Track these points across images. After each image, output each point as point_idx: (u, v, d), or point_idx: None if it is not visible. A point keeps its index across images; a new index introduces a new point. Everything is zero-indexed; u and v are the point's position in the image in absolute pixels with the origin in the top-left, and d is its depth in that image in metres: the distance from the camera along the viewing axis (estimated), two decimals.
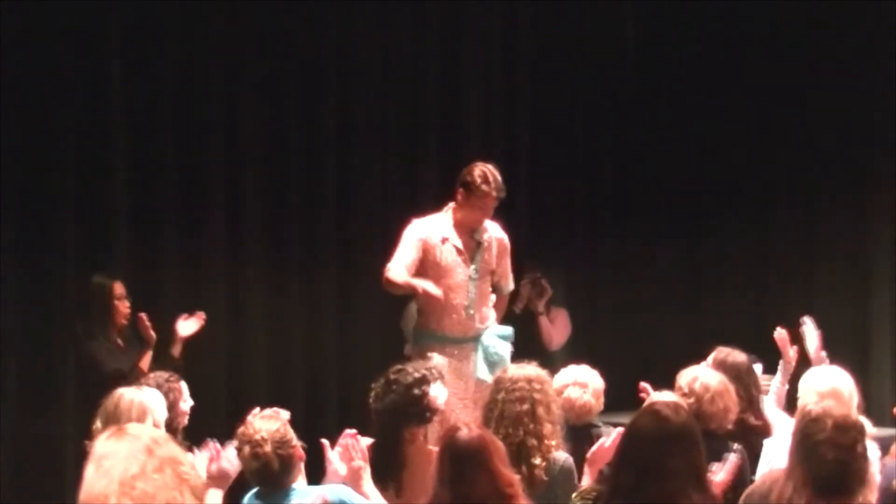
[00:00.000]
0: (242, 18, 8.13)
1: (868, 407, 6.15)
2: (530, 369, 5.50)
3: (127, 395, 5.37)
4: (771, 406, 6.48)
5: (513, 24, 9.36)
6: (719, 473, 5.04)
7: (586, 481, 5.18)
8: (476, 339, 7.01)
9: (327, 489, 4.82)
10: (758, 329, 8.42)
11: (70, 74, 7.52)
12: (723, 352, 6.26)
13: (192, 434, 5.67)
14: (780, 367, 6.75)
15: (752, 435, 6.00)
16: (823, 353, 6.68)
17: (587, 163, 9.75)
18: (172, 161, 7.90)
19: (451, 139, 8.95)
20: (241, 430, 4.83)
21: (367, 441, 5.07)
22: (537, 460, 5.27)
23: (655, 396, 5.43)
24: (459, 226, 7.04)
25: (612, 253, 9.68)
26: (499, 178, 6.96)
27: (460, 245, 7.02)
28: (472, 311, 7.00)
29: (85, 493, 3.24)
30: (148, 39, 7.79)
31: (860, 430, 4.34)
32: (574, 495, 4.66)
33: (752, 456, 5.67)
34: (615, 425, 5.81)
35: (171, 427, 5.73)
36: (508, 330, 7.13)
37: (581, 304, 9.33)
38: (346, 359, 8.40)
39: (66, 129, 7.53)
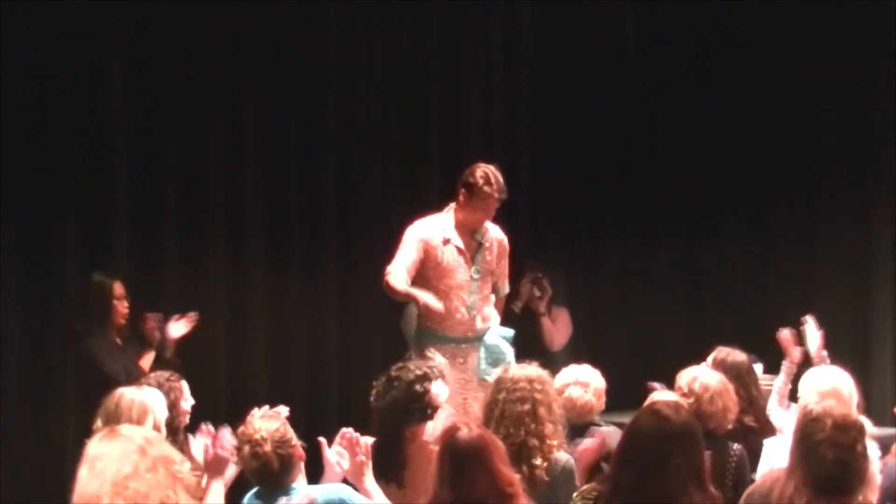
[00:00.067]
0: (243, 18, 8.13)
1: (868, 406, 6.15)
2: (531, 369, 5.50)
3: (127, 394, 5.37)
4: (774, 406, 6.47)
5: (513, 25, 9.36)
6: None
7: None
8: (478, 339, 7.03)
9: (327, 488, 4.82)
10: (758, 329, 8.43)
11: (70, 74, 7.52)
12: (723, 352, 6.26)
13: (193, 433, 5.67)
14: (783, 367, 6.74)
15: (751, 435, 6.00)
16: (825, 353, 6.68)
17: (587, 163, 9.75)
18: (173, 161, 7.90)
19: (451, 139, 8.95)
20: (240, 429, 4.83)
21: (368, 440, 5.07)
22: (539, 460, 5.27)
23: (656, 396, 5.43)
24: (461, 226, 7.05)
25: (612, 253, 9.68)
26: (500, 179, 6.98)
27: (462, 246, 7.04)
28: (473, 312, 7.02)
29: (78, 495, 3.25)
30: (148, 39, 7.79)
31: (860, 430, 4.33)
32: (575, 495, 4.66)
33: (752, 455, 5.67)
34: (617, 425, 5.83)
35: (172, 426, 5.74)
36: (510, 332, 7.14)
37: (582, 304, 9.33)
38: (347, 358, 8.40)
39: (67, 128, 7.52)
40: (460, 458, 4.31)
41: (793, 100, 9.30)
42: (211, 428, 4.86)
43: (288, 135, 8.36)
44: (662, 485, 4.00)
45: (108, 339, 7.03)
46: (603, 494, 4.20)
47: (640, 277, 9.59)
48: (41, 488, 6.95)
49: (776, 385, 6.64)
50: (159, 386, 5.79)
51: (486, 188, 6.93)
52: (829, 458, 4.24)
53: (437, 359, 6.75)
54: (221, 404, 7.67)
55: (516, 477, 4.39)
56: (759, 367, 6.98)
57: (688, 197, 9.64)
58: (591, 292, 9.60)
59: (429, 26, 8.95)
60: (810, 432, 4.31)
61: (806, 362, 6.69)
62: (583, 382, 6.00)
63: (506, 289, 7.36)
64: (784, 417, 6.26)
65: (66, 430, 7.17)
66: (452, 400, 6.61)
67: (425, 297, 6.79)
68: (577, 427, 5.91)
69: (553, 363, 6.68)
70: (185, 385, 5.98)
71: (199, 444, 4.87)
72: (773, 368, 7.13)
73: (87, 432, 5.15)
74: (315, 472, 5.10)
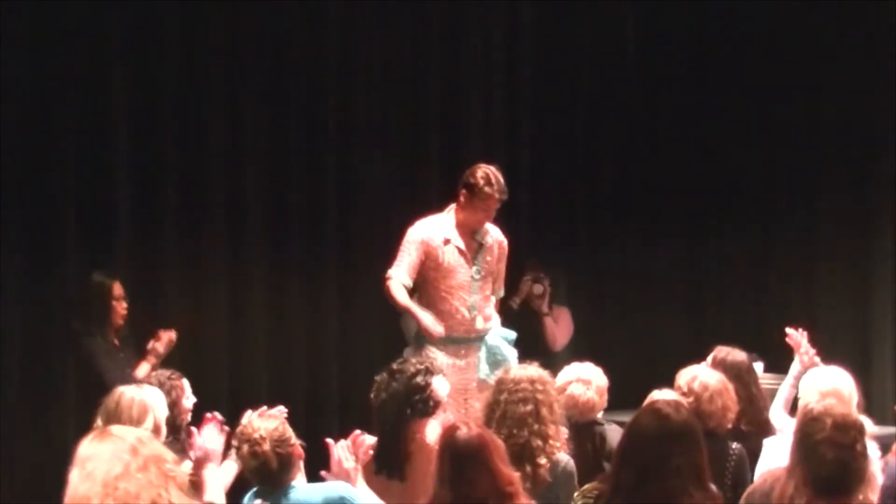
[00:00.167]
0: (243, 18, 8.13)
1: (869, 406, 6.14)
2: (532, 370, 5.49)
3: (128, 393, 5.37)
4: (778, 410, 6.42)
5: (513, 25, 9.35)
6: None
7: None
8: (479, 339, 7.04)
9: (327, 486, 4.83)
10: (758, 329, 8.45)
11: (71, 74, 7.52)
12: (722, 351, 6.25)
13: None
14: (792, 370, 6.62)
15: (751, 434, 6.00)
16: (817, 358, 6.64)
17: (588, 163, 9.74)
18: (173, 161, 7.90)
19: (451, 139, 8.95)
20: (239, 428, 4.83)
21: (371, 439, 5.08)
22: (542, 460, 5.27)
23: (656, 395, 5.43)
24: (461, 227, 7.07)
25: (612, 252, 9.68)
26: (501, 179, 6.99)
27: (462, 246, 7.05)
28: (474, 312, 7.03)
29: (69, 497, 3.25)
30: (149, 39, 7.79)
31: (860, 430, 4.33)
32: (576, 494, 4.66)
33: (752, 455, 5.67)
34: (617, 424, 5.83)
35: (173, 425, 5.74)
36: (512, 334, 7.15)
37: (583, 303, 9.33)
38: (347, 358, 8.40)
39: (67, 128, 7.52)
40: (460, 457, 4.32)
41: (793, 100, 9.29)
42: (219, 415, 4.86)
43: (288, 135, 8.36)
44: (663, 484, 4.00)
45: (107, 339, 7.03)
46: (604, 494, 4.20)
47: (640, 277, 9.59)
48: (41, 488, 6.93)
49: (782, 389, 6.57)
50: (160, 384, 5.80)
51: (486, 189, 6.94)
52: (828, 458, 4.24)
53: (438, 358, 6.76)
54: (222, 404, 7.64)
55: (516, 476, 4.40)
56: (759, 366, 6.96)
57: (688, 197, 9.63)
58: (591, 292, 9.59)
59: (429, 26, 8.95)
60: (810, 432, 4.31)
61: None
62: (585, 380, 6.00)
63: (501, 292, 7.38)
64: (788, 422, 6.20)
65: (66, 430, 7.16)
66: (453, 400, 6.63)
67: (426, 319, 6.83)
68: (580, 425, 5.91)
69: (554, 363, 6.68)
70: (186, 383, 5.98)
71: (206, 434, 4.87)
72: (772, 368, 7.12)
73: (87, 432, 5.16)
74: (315, 472, 5.10)
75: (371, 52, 8.66)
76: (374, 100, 8.68)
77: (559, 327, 8.87)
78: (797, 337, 6.64)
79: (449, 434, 4.40)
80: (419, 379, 5.48)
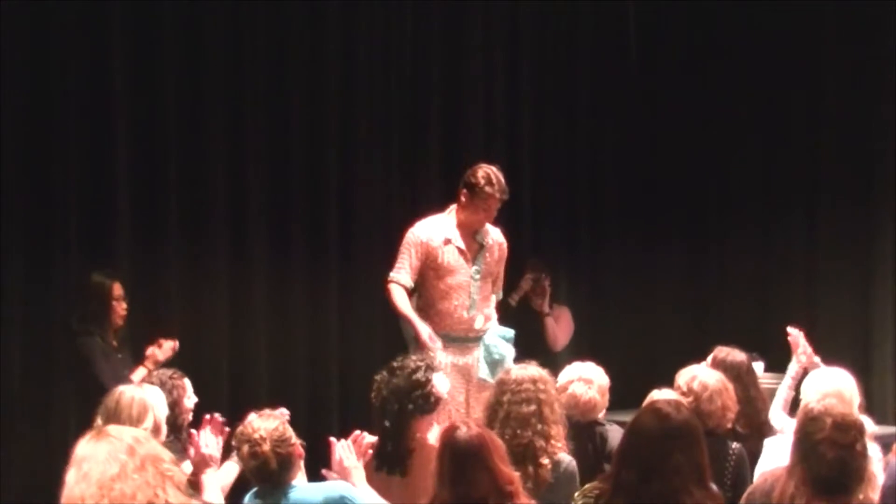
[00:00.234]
0: (243, 18, 8.12)
1: (870, 405, 6.14)
2: (533, 369, 5.49)
3: (127, 392, 5.37)
4: (777, 412, 6.43)
5: (514, 24, 9.35)
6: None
7: None
8: (478, 339, 7.04)
9: (328, 485, 4.83)
10: (760, 328, 8.44)
11: (72, 73, 7.52)
12: (722, 351, 6.25)
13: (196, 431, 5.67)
14: (790, 370, 6.65)
15: (750, 434, 5.99)
16: (816, 359, 6.64)
17: (588, 162, 9.74)
18: (173, 161, 7.89)
19: (451, 139, 8.95)
20: (239, 429, 4.83)
21: (371, 439, 5.08)
22: (544, 461, 5.27)
23: (656, 394, 5.43)
24: (462, 227, 7.08)
25: (613, 252, 9.68)
26: (502, 179, 7.00)
27: (463, 246, 7.06)
28: (474, 311, 7.03)
29: (65, 497, 3.24)
30: (150, 38, 7.78)
31: (859, 429, 4.33)
32: (576, 494, 4.66)
33: (751, 455, 5.66)
34: (618, 423, 5.82)
35: (175, 424, 5.75)
36: (510, 332, 7.15)
37: (583, 303, 9.33)
38: (348, 358, 8.40)
39: (67, 128, 7.51)
40: (460, 457, 4.32)
41: (793, 100, 9.29)
42: (218, 416, 4.86)
43: (289, 135, 8.36)
44: (664, 483, 4.00)
45: (105, 339, 7.03)
46: (604, 493, 4.20)
47: (640, 277, 9.59)
48: (41, 488, 6.94)
49: (781, 389, 6.58)
50: (162, 384, 5.80)
51: (487, 188, 6.95)
52: (828, 458, 4.25)
53: (437, 357, 6.77)
54: (222, 404, 7.65)
55: (516, 475, 4.40)
56: (759, 366, 6.96)
57: (688, 196, 9.64)
58: (591, 292, 9.60)
59: (429, 26, 8.95)
60: (810, 431, 4.31)
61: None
62: (587, 379, 5.99)
63: (500, 294, 7.38)
64: (788, 423, 6.21)
65: (66, 431, 7.16)
66: (453, 399, 6.64)
67: (423, 332, 6.83)
68: (581, 425, 5.90)
69: (555, 362, 6.67)
70: (187, 383, 5.98)
71: (205, 438, 4.87)
72: (773, 367, 7.12)
73: (86, 431, 5.15)
74: (316, 472, 5.10)
75: (371, 52, 8.66)
76: (374, 100, 8.68)
77: (560, 327, 8.86)
78: (797, 336, 6.65)
79: (449, 433, 4.40)
80: (420, 375, 5.48)
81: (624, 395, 6.66)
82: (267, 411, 4.98)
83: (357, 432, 5.00)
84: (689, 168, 9.62)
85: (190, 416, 5.92)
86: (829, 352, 6.76)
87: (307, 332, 8.37)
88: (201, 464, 4.74)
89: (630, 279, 9.61)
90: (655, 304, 9.59)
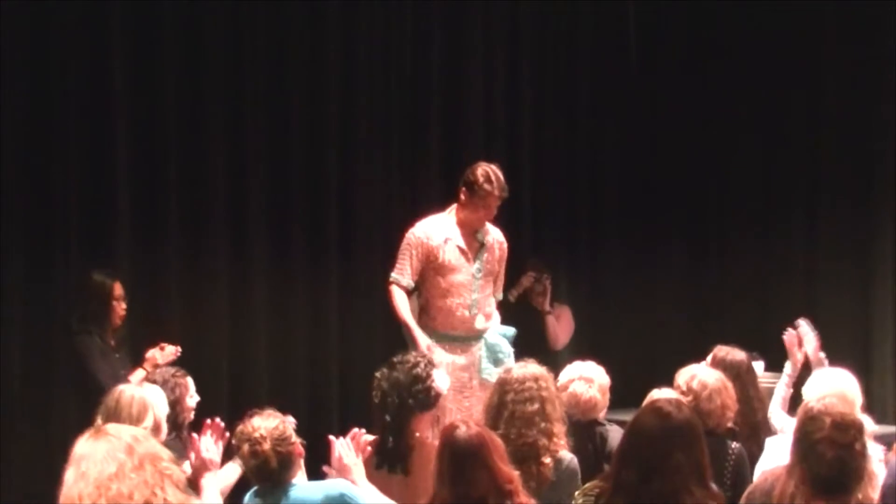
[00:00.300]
0: (244, 18, 8.12)
1: (870, 404, 6.13)
2: (533, 367, 5.49)
3: (127, 391, 5.37)
4: (776, 410, 6.44)
5: (514, 24, 9.35)
6: None
7: None
8: (478, 337, 7.05)
9: (327, 484, 4.82)
10: (760, 328, 8.44)
11: (72, 73, 7.52)
12: (722, 350, 6.25)
13: (196, 431, 5.66)
14: (786, 370, 6.69)
15: (753, 433, 5.99)
16: (822, 355, 6.66)
17: (588, 162, 9.74)
18: (173, 161, 7.89)
19: (451, 140, 8.95)
20: (239, 428, 4.82)
21: (370, 437, 5.07)
22: (547, 459, 5.27)
23: (656, 394, 5.42)
24: (462, 225, 7.09)
25: (614, 251, 9.68)
26: (501, 177, 7.01)
27: (463, 244, 7.07)
28: (474, 310, 7.04)
29: (63, 496, 3.23)
30: (150, 38, 7.78)
31: (859, 429, 4.33)
32: (577, 493, 4.66)
33: (751, 454, 5.66)
34: (618, 423, 5.82)
35: (176, 422, 5.74)
36: (511, 330, 7.15)
37: (584, 302, 9.33)
38: (348, 358, 8.40)
39: (68, 128, 7.51)
40: (459, 456, 4.31)
41: (793, 100, 9.29)
42: (219, 421, 4.85)
43: (289, 135, 8.36)
44: (664, 482, 4.00)
45: (104, 339, 7.03)
46: (605, 492, 4.19)
47: (640, 276, 9.59)
48: (42, 488, 6.93)
49: (778, 389, 6.60)
50: (164, 382, 5.80)
51: (486, 186, 6.96)
52: (827, 457, 4.24)
53: (437, 355, 6.78)
54: (222, 404, 7.67)
55: (515, 474, 4.39)
56: (759, 366, 6.97)
57: (688, 196, 9.64)
58: (592, 291, 9.60)
59: (429, 26, 8.95)
60: (809, 431, 4.31)
61: (805, 365, 6.67)
62: (587, 378, 5.98)
63: (500, 294, 7.38)
64: (788, 422, 6.21)
65: (66, 430, 7.16)
66: (452, 397, 6.63)
67: (422, 341, 6.83)
68: (582, 424, 5.90)
69: (556, 361, 6.67)
70: (190, 381, 5.98)
71: (206, 442, 4.86)
72: (773, 367, 7.12)
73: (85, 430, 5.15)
74: (316, 471, 5.10)
75: (371, 52, 8.66)
76: (374, 100, 8.68)
77: (561, 326, 8.86)
78: (792, 336, 6.68)
79: (448, 433, 4.39)
80: (420, 370, 5.48)
81: (624, 394, 6.66)
82: (269, 410, 4.98)
83: (356, 429, 4.99)
84: (689, 168, 9.62)
85: (192, 415, 5.93)
86: (830, 352, 6.76)
87: (307, 332, 8.37)
88: (201, 468, 4.73)
89: (630, 279, 9.61)
90: (655, 304, 9.59)
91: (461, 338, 7.03)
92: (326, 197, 8.47)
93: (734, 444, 5.59)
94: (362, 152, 8.61)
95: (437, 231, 7.06)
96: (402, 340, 7.16)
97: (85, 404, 5.67)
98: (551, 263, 8.93)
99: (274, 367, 8.18)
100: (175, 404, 5.75)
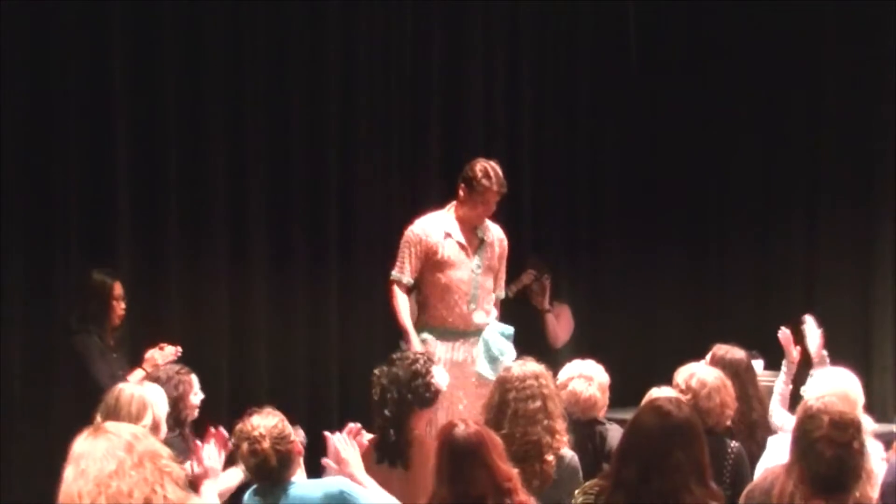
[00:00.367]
0: (244, 18, 8.13)
1: (870, 403, 6.13)
2: (532, 365, 5.49)
3: (127, 389, 5.36)
4: (776, 408, 6.45)
5: (514, 24, 9.36)
6: None
7: None
8: (477, 333, 7.06)
9: (327, 481, 4.82)
10: (760, 328, 8.42)
11: (72, 73, 7.52)
12: (721, 349, 6.25)
13: (196, 430, 5.67)
14: (783, 368, 6.72)
15: (750, 432, 5.99)
16: (825, 353, 6.67)
17: (588, 162, 9.75)
18: (173, 160, 7.89)
19: (451, 139, 8.95)
20: (238, 426, 4.82)
21: (369, 436, 5.07)
22: (550, 456, 5.27)
23: (656, 392, 5.42)
24: (462, 222, 7.11)
25: (614, 251, 9.69)
26: (500, 173, 7.03)
27: (463, 241, 7.09)
28: (473, 306, 7.06)
29: (62, 494, 3.23)
30: (150, 38, 7.78)
31: (857, 427, 4.33)
32: (577, 491, 4.66)
33: (750, 453, 5.66)
34: (618, 422, 5.82)
35: (179, 419, 5.74)
36: (510, 329, 7.15)
37: (584, 302, 9.33)
38: (348, 358, 8.40)
39: (68, 128, 7.51)
40: (458, 454, 4.31)
41: (793, 100, 9.30)
42: (223, 430, 4.85)
43: (289, 135, 8.36)
44: (664, 480, 3.99)
45: (103, 338, 7.02)
46: (605, 490, 4.19)
47: (640, 275, 9.60)
48: (42, 488, 6.93)
49: (777, 386, 6.61)
50: (168, 379, 5.80)
51: (484, 181, 6.97)
52: (826, 456, 4.24)
53: (436, 351, 6.79)
54: (222, 404, 7.67)
55: (514, 472, 4.39)
56: (759, 364, 6.98)
57: (688, 195, 9.65)
58: (592, 291, 9.60)
59: (429, 26, 8.95)
60: (808, 429, 4.31)
61: (806, 362, 6.68)
62: (587, 376, 5.99)
63: (500, 293, 7.38)
64: (789, 420, 6.21)
65: (66, 430, 7.14)
66: (450, 393, 6.63)
67: (417, 347, 6.82)
68: (582, 423, 5.90)
69: (556, 360, 6.67)
70: (194, 379, 5.97)
71: (208, 451, 4.86)
72: (773, 365, 7.12)
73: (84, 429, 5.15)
74: (316, 470, 5.10)
75: (371, 52, 8.66)
76: (374, 100, 8.68)
77: (560, 324, 8.87)
78: (788, 335, 6.70)
79: (447, 431, 4.39)
80: (419, 366, 5.49)
81: (623, 393, 6.66)
82: (268, 409, 4.97)
83: (352, 424, 4.98)
84: (689, 168, 9.62)
85: (195, 413, 5.92)
86: (830, 352, 6.77)
87: (307, 332, 8.37)
88: (202, 476, 4.73)
89: (630, 279, 9.61)
90: (655, 304, 9.59)
91: (459, 333, 7.04)
92: (326, 197, 8.47)
93: (733, 443, 5.58)
94: (362, 152, 8.61)
95: (436, 227, 7.07)
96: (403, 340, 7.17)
97: (83, 403, 5.66)
98: (551, 263, 8.94)
99: (274, 367, 8.18)
100: (178, 401, 5.74)
